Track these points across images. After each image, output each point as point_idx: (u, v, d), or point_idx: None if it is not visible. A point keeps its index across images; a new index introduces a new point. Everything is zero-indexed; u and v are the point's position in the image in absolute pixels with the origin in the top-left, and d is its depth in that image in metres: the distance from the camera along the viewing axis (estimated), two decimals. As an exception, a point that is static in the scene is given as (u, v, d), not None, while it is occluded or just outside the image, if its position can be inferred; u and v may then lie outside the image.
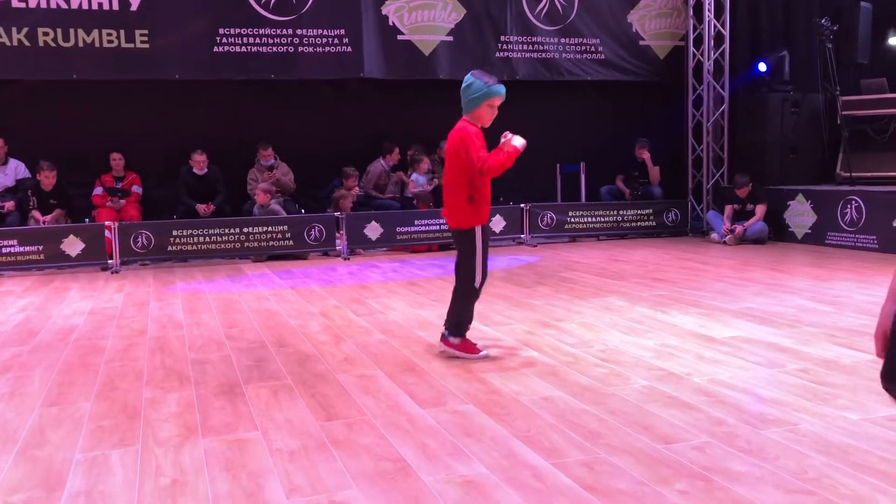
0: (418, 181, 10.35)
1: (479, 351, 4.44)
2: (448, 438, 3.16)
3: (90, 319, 5.91)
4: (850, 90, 9.98)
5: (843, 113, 9.61)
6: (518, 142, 4.23)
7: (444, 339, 4.51)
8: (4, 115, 9.36)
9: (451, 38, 10.52)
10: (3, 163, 9.23)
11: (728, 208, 9.93)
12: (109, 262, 8.67)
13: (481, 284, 4.40)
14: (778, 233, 9.80)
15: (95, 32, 9.24)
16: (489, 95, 4.25)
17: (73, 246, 8.57)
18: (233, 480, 2.80)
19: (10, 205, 8.98)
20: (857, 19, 9.85)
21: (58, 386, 4.09)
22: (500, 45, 10.74)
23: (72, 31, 9.15)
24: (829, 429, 3.15)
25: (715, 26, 10.90)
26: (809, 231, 9.50)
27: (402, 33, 10.33)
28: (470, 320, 4.51)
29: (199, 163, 9.60)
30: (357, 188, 10.11)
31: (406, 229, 9.68)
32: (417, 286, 7.08)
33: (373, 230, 9.52)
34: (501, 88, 4.29)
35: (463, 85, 4.33)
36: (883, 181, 9.31)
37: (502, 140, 4.27)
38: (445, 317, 4.53)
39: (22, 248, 8.41)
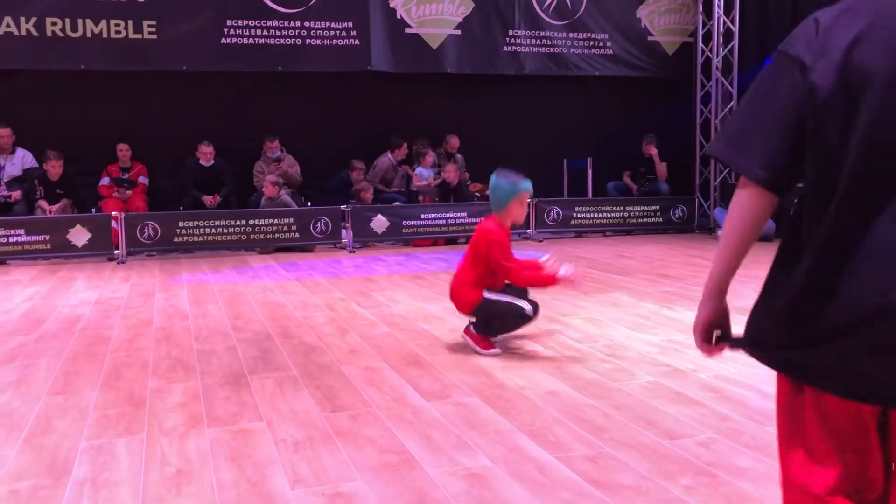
0: (423, 175, 10.33)
1: (493, 347, 4.41)
2: (452, 431, 3.16)
3: (96, 309, 5.92)
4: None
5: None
6: (564, 272, 4.14)
7: (466, 330, 4.50)
8: (12, 105, 9.38)
9: (458, 32, 10.49)
10: (10, 152, 9.25)
11: (735, 205, 9.89)
12: (116, 252, 8.69)
13: (533, 312, 4.35)
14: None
15: (104, 23, 9.25)
16: (517, 193, 4.38)
17: (79, 236, 8.59)
18: (237, 470, 2.80)
19: (17, 194, 9.00)
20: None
21: (64, 375, 4.10)
22: (508, 38, 10.72)
23: (80, 21, 9.17)
24: (835, 426, 3.14)
25: (724, 22, 10.85)
26: (816, 229, 9.46)
27: (409, 26, 10.31)
28: (503, 333, 4.51)
29: (206, 154, 9.61)
30: (365, 181, 10.10)
31: (412, 223, 9.67)
32: (422, 280, 7.08)
33: (379, 224, 9.52)
34: (528, 185, 4.44)
35: (490, 186, 4.47)
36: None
37: (552, 266, 4.19)
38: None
39: (29, 238, 8.43)
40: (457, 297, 4.50)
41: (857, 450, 1.46)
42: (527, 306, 4.35)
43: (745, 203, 1.51)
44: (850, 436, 1.46)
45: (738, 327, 1.77)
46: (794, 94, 1.42)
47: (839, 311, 1.37)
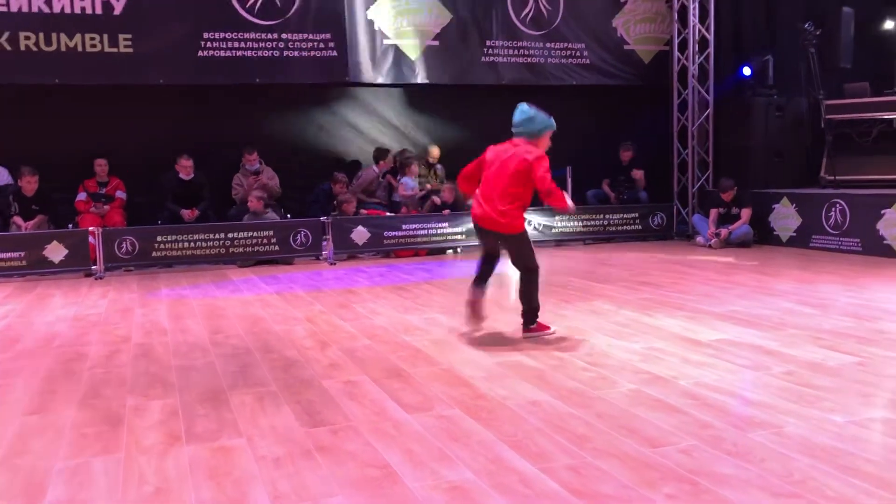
0: (407, 185, 10.32)
1: (549, 327, 4.98)
2: (434, 444, 3.14)
3: (73, 326, 5.85)
4: (834, 94, 10.05)
5: (827, 117, 9.67)
6: (569, 203, 4.85)
7: (525, 329, 4.98)
8: (-14, 121, 9.27)
9: (437, 43, 10.51)
10: (-16, 168, 9.14)
11: (713, 212, 9.98)
12: (93, 268, 8.60)
13: (537, 266, 4.96)
14: (763, 236, 9.85)
15: (78, 37, 9.17)
16: (551, 128, 4.87)
17: (56, 252, 8.50)
18: (217, 488, 2.77)
19: (-9, 211, 8.90)
20: (840, 24, 9.92)
21: (40, 394, 4.04)
22: (486, 49, 10.74)
23: (54, 35, 9.08)
24: (814, 431, 3.16)
25: (699, 31, 10.95)
26: (794, 234, 9.55)
27: (387, 37, 10.31)
28: (539, 306, 4.97)
29: (186, 168, 9.55)
30: (348, 193, 10.07)
31: (393, 234, 9.66)
32: (404, 291, 7.06)
33: (359, 235, 9.50)
34: (553, 124, 4.89)
35: (523, 116, 4.86)
36: (866, 184, 9.36)
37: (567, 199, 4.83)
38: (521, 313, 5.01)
39: (4, 255, 8.33)
40: (500, 223, 4.81)
41: None
42: (532, 261, 4.90)
43: None
44: None
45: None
46: None
47: None
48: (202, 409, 3.70)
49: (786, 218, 9.67)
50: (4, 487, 2.84)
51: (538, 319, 4.98)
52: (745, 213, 9.70)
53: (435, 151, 10.77)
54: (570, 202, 4.83)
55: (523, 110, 4.88)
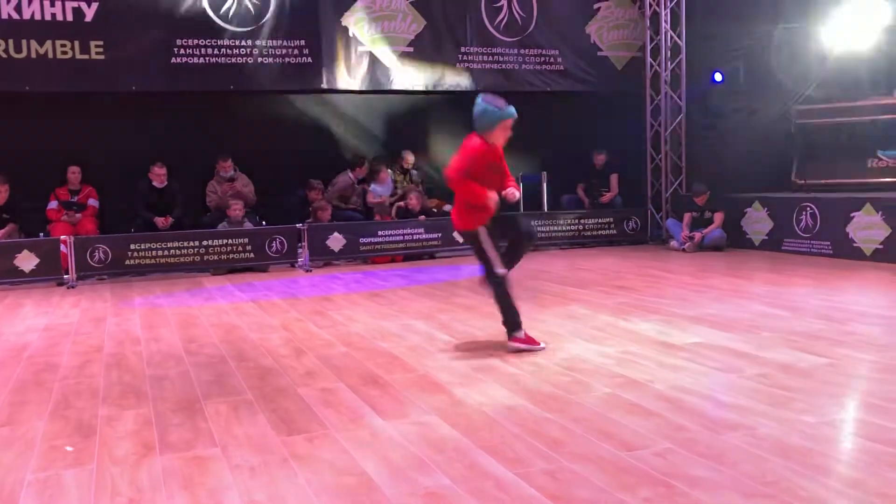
0: (376, 191, 10.31)
1: (539, 343, 4.76)
2: (411, 451, 3.14)
3: (45, 336, 5.77)
4: (803, 99, 10.20)
5: (797, 121, 9.81)
6: (492, 202, 4.69)
7: (509, 339, 4.79)
8: (-46, 129, 9.14)
9: (411, 49, 10.53)
10: (-47, 177, 8.99)
11: (687, 216, 10.07)
12: (65, 277, 8.49)
13: (504, 274, 4.75)
14: (736, 240, 9.96)
15: (49, 43, 9.08)
16: (503, 118, 4.72)
17: (27, 261, 8.38)
18: (192, 499, 2.74)
19: (-40, 220, 8.76)
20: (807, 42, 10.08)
21: (9, 405, 3.98)
22: (460, 55, 10.78)
23: (24, 42, 8.98)
24: (787, 432, 3.20)
25: (671, 37, 11.07)
26: (766, 237, 9.67)
27: (362, 44, 10.32)
28: (518, 312, 4.79)
29: (159, 176, 9.46)
30: (323, 200, 10.04)
31: (369, 240, 9.64)
32: (381, 297, 7.05)
33: (335, 241, 9.47)
34: (513, 111, 4.74)
35: (476, 111, 4.72)
36: (836, 188, 9.51)
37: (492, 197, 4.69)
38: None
39: (-27, 265, 8.20)
40: (455, 220, 4.91)
41: None
42: (499, 269, 4.72)
43: None
44: None
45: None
46: None
47: None
48: (176, 418, 3.66)
49: (758, 222, 9.78)
50: (-27, 501, 2.79)
51: (528, 333, 4.79)
52: (718, 217, 9.81)
53: (409, 157, 10.78)
54: (489, 194, 4.65)
55: (476, 104, 4.77)
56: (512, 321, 4.79)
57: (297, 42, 9.97)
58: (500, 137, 4.78)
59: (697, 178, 10.36)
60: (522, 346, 4.73)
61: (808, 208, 9.08)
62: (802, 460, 2.90)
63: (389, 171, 10.51)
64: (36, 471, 3.06)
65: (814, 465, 2.84)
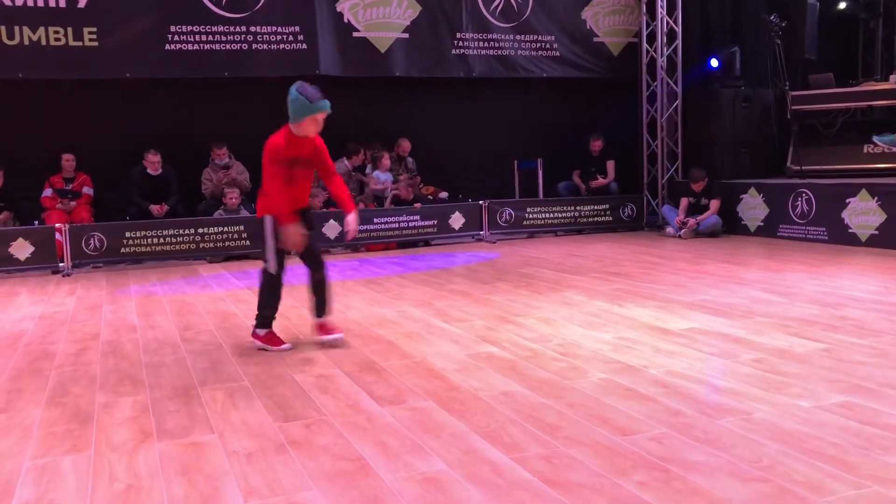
0: (379, 178, 10.30)
1: (283, 343, 4.67)
2: (407, 436, 3.15)
3: (40, 324, 5.76)
4: (799, 85, 10.19)
5: (793, 107, 9.81)
6: (289, 232, 4.48)
7: (252, 334, 4.75)
8: (-53, 116, 9.09)
9: (406, 35, 10.48)
10: (-54, 165, 8.95)
11: (683, 200, 10.08)
12: (60, 265, 8.47)
13: (278, 273, 4.63)
14: (731, 226, 9.97)
15: (42, 30, 9.00)
16: (313, 111, 4.50)
17: (21, 249, 8.36)
18: (189, 484, 2.75)
19: (-46, 208, 8.72)
20: (805, 15, 10.06)
21: (6, 393, 3.98)
22: (455, 41, 10.74)
23: (17, 28, 8.90)
24: (782, 417, 3.21)
25: (667, 23, 11.03)
26: (762, 224, 9.68)
27: (357, 30, 10.26)
28: (273, 312, 4.72)
29: (154, 163, 9.42)
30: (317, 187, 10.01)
31: (364, 227, 9.62)
32: (376, 284, 7.05)
33: (331, 229, 9.46)
34: (326, 104, 4.53)
35: (289, 97, 4.52)
36: (831, 174, 9.52)
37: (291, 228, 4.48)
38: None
39: (-32, 253, 8.18)
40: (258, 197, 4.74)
41: None
42: (272, 265, 4.56)
43: None
44: None
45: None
46: None
47: None
48: (173, 405, 3.67)
49: (753, 208, 9.79)
50: (-29, 488, 2.79)
51: (275, 332, 4.72)
52: (714, 204, 9.81)
53: (405, 144, 10.76)
54: (293, 234, 4.47)
55: (290, 91, 4.55)
56: (263, 316, 4.70)
57: (291, 28, 9.91)
58: (310, 129, 4.57)
59: (693, 164, 10.35)
60: (262, 343, 4.67)
61: (804, 194, 9.09)
62: (797, 444, 2.91)
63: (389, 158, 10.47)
64: (34, 457, 3.06)
65: (809, 450, 2.86)
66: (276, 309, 4.75)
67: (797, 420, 3.17)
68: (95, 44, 9.21)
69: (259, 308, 4.73)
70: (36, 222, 8.90)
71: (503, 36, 10.94)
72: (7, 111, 9.30)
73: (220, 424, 3.37)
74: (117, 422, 3.46)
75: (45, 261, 8.45)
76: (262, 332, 4.71)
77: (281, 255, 4.62)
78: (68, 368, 4.43)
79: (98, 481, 2.81)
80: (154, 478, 2.82)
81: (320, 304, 4.81)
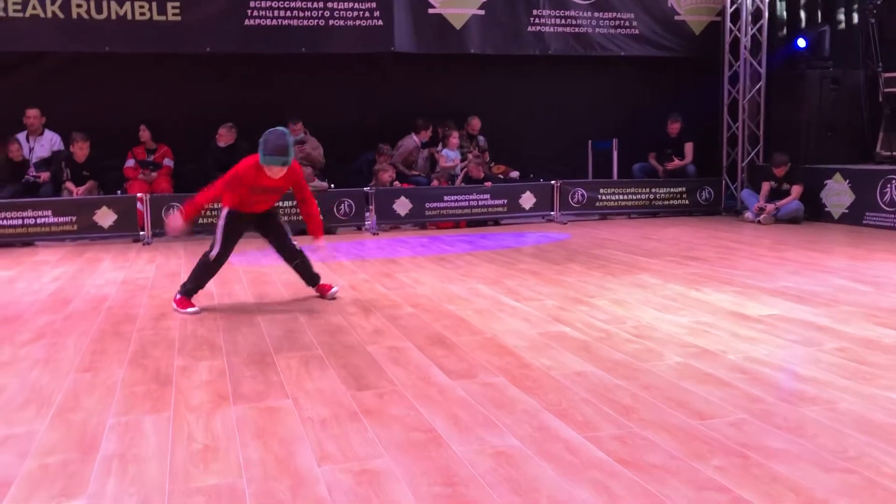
0: (449, 156, 10.28)
1: (193, 306, 5.08)
2: (479, 410, 3.14)
3: (122, 289, 5.96)
4: (893, 67, 9.71)
5: (885, 90, 9.36)
6: (171, 221, 5.21)
7: (175, 297, 5.19)
8: (40, 87, 9.43)
9: (482, 12, 10.38)
10: (39, 133, 9.30)
11: (765, 185, 9.76)
12: (141, 233, 8.74)
13: (217, 259, 5.11)
14: (813, 212, 9.61)
15: (128, 5, 9.25)
16: (267, 164, 4.90)
17: (105, 217, 8.65)
18: (264, 447, 2.80)
19: (45, 175, 9.06)
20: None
21: (91, 353, 4.13)
22: (532, 18, 10.59)
23: (105, 3, 9.16)
24: (869, 408, 3.08)
25: (753, 1, 10.64)
26: (846, 211, 9.30)
27: (433, 7, 10.21)
28: (197, 289, 5.19)
29: (224, 136, 9.60)
30: (387, 163, 10.06)
31: (435, 205, 9.63)
32: (446, 261, 7.05)
33: (402, 206, 9.49)
34: (276, 161, 4.87)
35: (266, 137, 4.92)
36: (924, 161, 9.08)
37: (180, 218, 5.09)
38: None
39: (56, 219, 8.51)
40: None
41: None
42: (215, 251, 5.08)
43: None
44: None
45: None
46: None
47: None
48: (249, 371, 3.74)
49: (838, 194, 9.41)
50: (60, 440, 2.90)
51: (191, 301, 5.11)
52: (796, 190, 9.47)
53: (475, 122, 10.69)
54: (175, 221, 5.09)
55: (267, 131, 4.97)
56: (188, 287, 5.14)
57: (367, 4, 9.93)
58: (273, 172, 4.93)
59: (775, 147, 10.01)
60: (177, 305, 5.08)
61: (894, 181, 8.69)
62: (886, 437, 2.79)
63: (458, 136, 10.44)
64: (117, 415, 3.17)
65: (898, 442, 2.73)
66: (201, 287, 5.22)
67: (886, 412, 3.03)
68: (178, 19, 9.40)
69: (189, 279, 5.18)
70: (119, 192, 9.19)
71: (581, 13, 10.74)
72: (94, 83, 9.61)
73: (294, 391, 3.42)
74: (195, 385, 3.55)
75: (127, 229, 8.73)
76: (178, 296, 5.15)
77: (228, 245, 5.13)
78: (149, 332, 4.57)
79: (177, 440, 2.88)
80: (230, 439, 2.88)
81: (308, 277, 5.49)
